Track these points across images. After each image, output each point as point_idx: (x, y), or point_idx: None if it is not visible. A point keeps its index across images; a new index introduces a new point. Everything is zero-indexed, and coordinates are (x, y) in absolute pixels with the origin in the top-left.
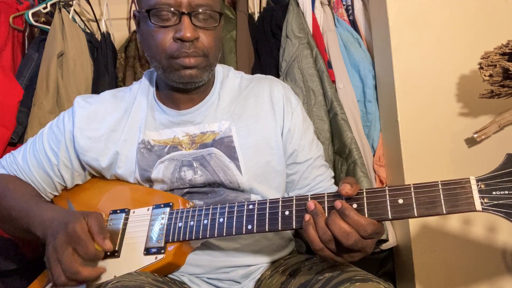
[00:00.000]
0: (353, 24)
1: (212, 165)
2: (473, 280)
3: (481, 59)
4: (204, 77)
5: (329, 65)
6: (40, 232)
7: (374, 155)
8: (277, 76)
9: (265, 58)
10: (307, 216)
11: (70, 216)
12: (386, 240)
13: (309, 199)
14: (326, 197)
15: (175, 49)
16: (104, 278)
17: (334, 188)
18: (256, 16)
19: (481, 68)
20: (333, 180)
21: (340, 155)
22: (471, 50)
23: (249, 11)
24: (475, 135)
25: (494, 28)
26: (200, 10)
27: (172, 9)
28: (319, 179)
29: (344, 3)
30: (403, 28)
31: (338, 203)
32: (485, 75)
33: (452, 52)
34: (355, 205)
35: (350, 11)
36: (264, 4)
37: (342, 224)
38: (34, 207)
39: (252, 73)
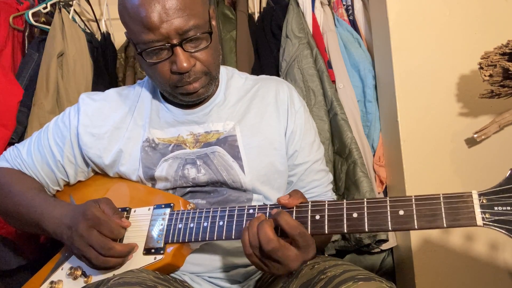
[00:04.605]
0: (353, 24)
1: (215, 164)
2: (473, 280)
3: (481, 59)
4: (210, 90)
5: (329, 65)
6: (51, 228)
7: (374, 155)
8: (277, 76)
9: (265, 58)
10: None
11: (82, 207)
12: (386, 240)
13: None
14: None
15: (176, 80)
16: (103, 276)
17: (328, 195)
18: (256, 16)
19: (481, 68)
20: (331, 186)
21: (340, 155)
22: (471, 50)
23: (249, 11)
24: (475, 135)
25: (494, 28)
26: (189, 35)
27: (161, 44)
28: (314, 184)
29: (344, 3)
30: (403, 28)
31: (275, 211)
32: (485, 75)
33: (452, 52)
34: (355, 214)
35: (350, 11)
36: (264, 4)
37: (268, 229)
38: (43, 202)
39: (252, 73)
